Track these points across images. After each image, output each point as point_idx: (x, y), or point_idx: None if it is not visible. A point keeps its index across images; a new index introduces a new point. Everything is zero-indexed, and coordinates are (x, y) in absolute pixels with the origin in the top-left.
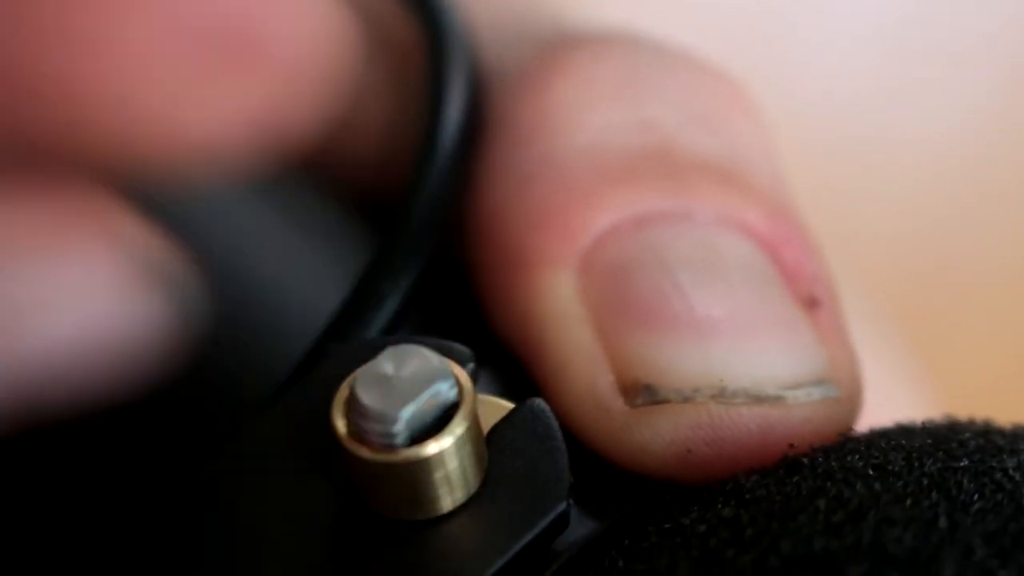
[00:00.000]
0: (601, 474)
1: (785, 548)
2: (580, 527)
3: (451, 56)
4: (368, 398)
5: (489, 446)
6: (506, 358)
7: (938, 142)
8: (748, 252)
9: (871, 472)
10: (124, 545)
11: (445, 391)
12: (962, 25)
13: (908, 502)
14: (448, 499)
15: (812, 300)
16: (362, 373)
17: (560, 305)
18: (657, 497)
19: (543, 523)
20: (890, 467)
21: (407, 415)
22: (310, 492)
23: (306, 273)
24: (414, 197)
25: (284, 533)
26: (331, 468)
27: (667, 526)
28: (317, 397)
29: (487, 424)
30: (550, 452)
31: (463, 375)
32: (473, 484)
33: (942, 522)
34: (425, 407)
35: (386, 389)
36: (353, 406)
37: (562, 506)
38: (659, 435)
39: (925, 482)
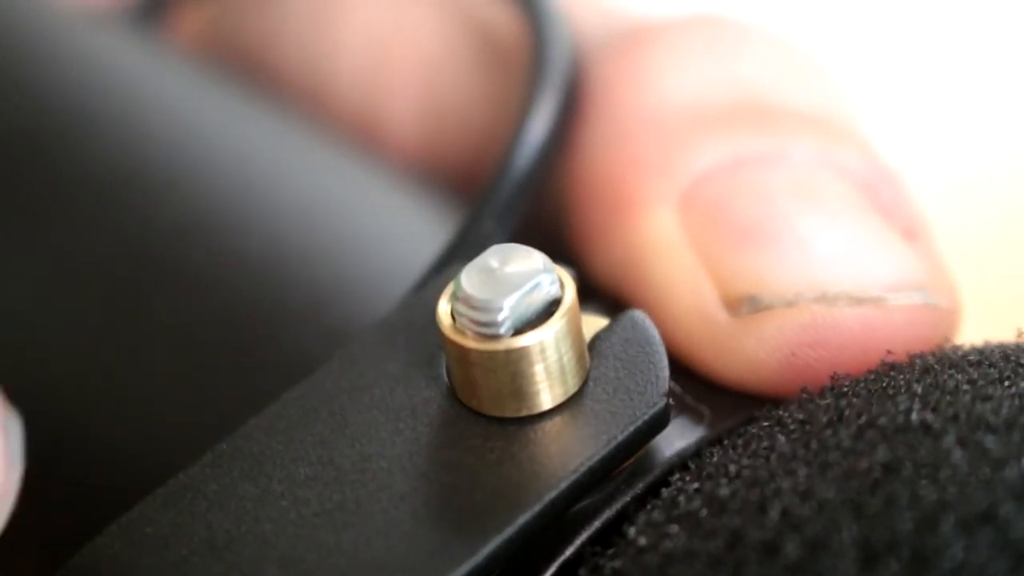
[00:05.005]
0: (702, 392)
1: (882, 421)
2: (681, 437)
3: (551, 44)
4: (472, 288)
5: (590, 352)
6: (604, 296)
7: None
8: (845, 188)
9: (969, 362)
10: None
11: (547, 285)
12: None
13: (1006, 384)
14: (547, 395)
15: (909, 232)
16: (467, 268)
17: (662, 234)
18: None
19: (643, 419)
20: (987, 360)
21: (510, 304)
22: (413, 394)
23: (406, 227)
24: (515, 149)
25: (388, 432)
26: (434, 372)
27: (765, 422)
28: (422, 309)
29: (588, 336)
30: (649, 355)
31: (565, 274)
32: (572, 383)
33: None
34: (527, 299)
35: (490, 281)
36: (458, 297)
37: (662, 403)
38: (764, 341)
39: (1023, 371)
